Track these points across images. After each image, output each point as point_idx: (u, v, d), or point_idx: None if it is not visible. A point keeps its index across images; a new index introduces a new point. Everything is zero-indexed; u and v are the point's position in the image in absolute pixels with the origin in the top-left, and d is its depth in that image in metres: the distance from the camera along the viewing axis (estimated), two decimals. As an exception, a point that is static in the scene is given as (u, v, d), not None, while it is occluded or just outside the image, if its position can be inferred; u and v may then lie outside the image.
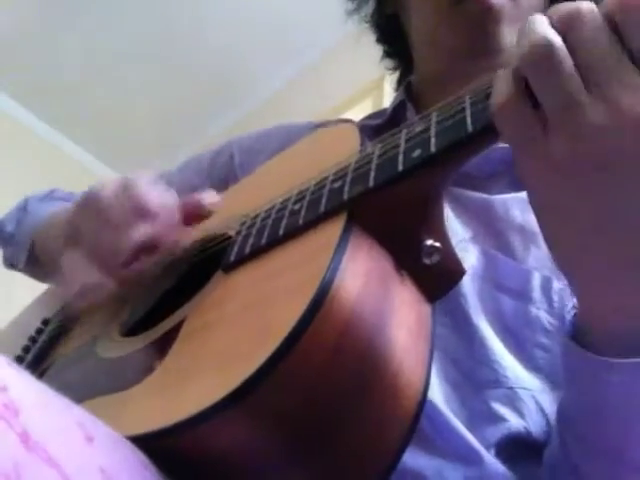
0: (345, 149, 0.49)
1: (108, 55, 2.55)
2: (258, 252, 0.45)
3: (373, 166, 0.42)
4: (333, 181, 0.44)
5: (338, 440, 0.36)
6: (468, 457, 0.48)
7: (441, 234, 0.42)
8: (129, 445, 0.34)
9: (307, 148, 0.60)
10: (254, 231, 0.47)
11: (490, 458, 0.48)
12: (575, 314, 0.42)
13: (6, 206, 0.83)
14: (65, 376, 0.55)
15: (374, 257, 0.40)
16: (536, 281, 0.55)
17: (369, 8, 0.79)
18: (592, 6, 0.32)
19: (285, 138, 0.71)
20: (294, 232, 0.43)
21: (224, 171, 0.78)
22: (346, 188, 0.42)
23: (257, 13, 2.44)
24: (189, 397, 0.36)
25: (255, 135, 0.82)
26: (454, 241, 0.43)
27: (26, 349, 0.64)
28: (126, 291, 0.61)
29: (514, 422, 0.51)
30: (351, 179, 0.42)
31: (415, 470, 0.48)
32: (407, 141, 0.41)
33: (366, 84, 2.35)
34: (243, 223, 0.51)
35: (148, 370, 0.43)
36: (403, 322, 0.39)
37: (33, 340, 0.65)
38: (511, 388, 0.52)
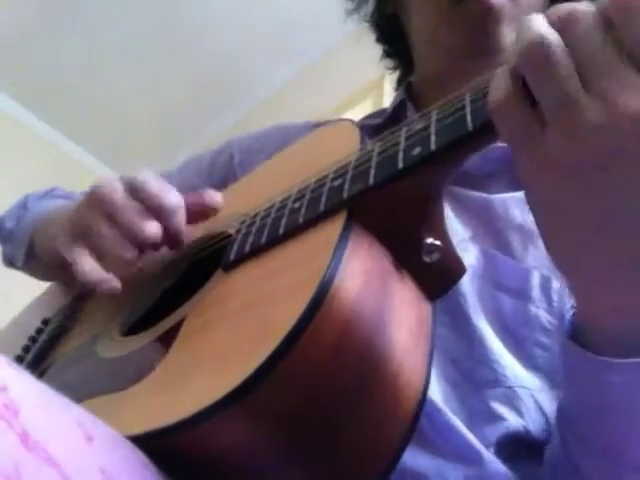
0: (345, 147, 0.49)
1: (108, 55, 2.55)
2: (258, 251, 0.45)
3: (373, 164, 0.42)
4: (333, 179, 0.44)
5: (338, 440, 0.36)
6: (468, 456, 0.48)
7: (441, 232, 0.42)
8: (129, 445, 0.34)
9: (307, 147, 0.60)
10: (254, 230, 0.47)
11: (490, 457, 0.48)
12: (574, 314, 0.42)
13: (6, 206, 0.84)
14: (65, 376, 0.55)
15: (374, 255, 0.40)
16: (535, 280, 0.55)
17: (369, 7, 0.79)
18: (589, 6, 0.31)
19: (284, 137, 0.71)
20: (294, 231, 0.43)
21: (224, 171, 0.78)
22: (346, 186, 0.42)
23: (257, 13, 2.44)
24: (189, 396, 0.36)
25: (255, 135, 0.82)
26: (454, 240, 0.43)
27: (26, 349, 0.64)
28: (126, 290, 0.61)
29: (513, 421, 0.51)
30: (351, 177, 0.42)
31: (415, 470, 0.48)
32: (407, 139, 0.41)
33: (366, 84, 2.35)
34: (243, 222, 0.51)
35: (148, 369, 0.42)
36: (403, 321, 0.39)
37: (33, 340, 0.65)
38: (510, 387, 0.52)
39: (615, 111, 0.29)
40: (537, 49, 0.31)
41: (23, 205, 0.81)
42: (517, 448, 0.50)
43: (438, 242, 0.41)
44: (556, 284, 0.55)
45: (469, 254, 0.57)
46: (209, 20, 2.46)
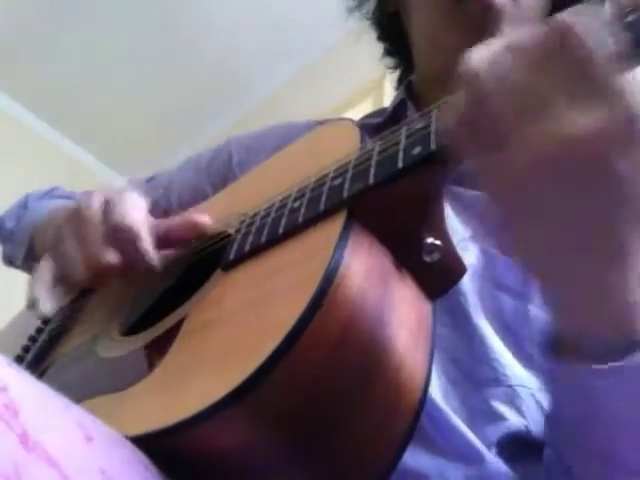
0: (345, 146, 0.49)
1: (108, 55, 2.55)
2: (258, 250, 0.45)
3: (373, 163, 0.42)
4: (333, 178, 0.44)
5: (339, 439, 0.36)
6: (469, 456, 0.48)
7: (442, 232, 0.42)
8: (129, 445, 0.34)
9: (307, 146, 0.60)
10: (254, 229, 0.47)
11: (491, 457, 0.48)
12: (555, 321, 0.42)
13: (6, 206, 0.84)
14: (65, 376, 0.55)
15: (374, 255, 0.40)
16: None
17: (370, 5, 0.79)
18: (530, 36, 0.33)
19: (284, 137, 0.70)
20: (294, 230, 0.43)
21: (223, 171, 0.78)
22: (346, 185, 0.42)
23: (257, 13, 2.44)
24: (190, 396, 0.36)
25: (254, 134, 0.82)
26: (454, 240, 0.43)
27: (26, 349, 0.64)
28: (126, 290, 0.61)
29: (514, 420, 0.51)
30: (351, 176, 0.42)
31: (416, 470, 0.48)
32: (407, 138, 0.41)
33: (366, 84, 2.35)
34: (243, 221, 0.51)
35: (148, 369, 0.42)
36: (404, 319, 0.39)
37: (33, 340, 0.65)
38: (510, 386, 0.52)
39: (551, 135, 0.31)
40: (483, 77, 0.32)
41: (23, 205, 0.81)
42: (518, 448, 0.50)
43: (438, 242, 0.41)
44: None
45: (469, 253, 0.57)
46: (209, 20, 2.46)
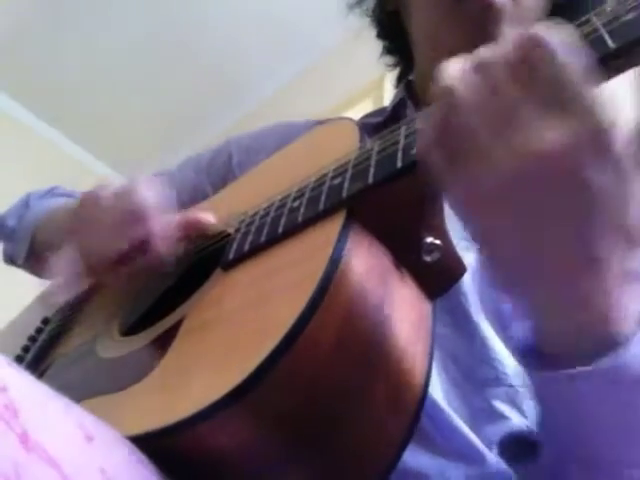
0: (344, 146, 0.49)
1: (108, 55, 2.55)
2: (257, 250, 0.45)
3: (372, 163, 0.42)
4: (332, 178, 0.44)
5: (339, 438, 0.36)
6: (469, 456, 0.48)
7: (441, 231, 0.42)
8: (129, 445, 0.34)
9: (306, 145, 0.60)
10: (253, 229, 0.47)
11: (492, 457, 0.48)
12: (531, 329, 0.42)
13: (6, 206, 0.84)
14: (65, 376, 0.55)
15: (374, 254, 0.40)
16: None
17: (370, 3, 0.79)
18: (502, 49, 0.34)
19: (284, 136, 0.70)
20: (293, 230, 0.43)
21: (223, 171, 0.78)
22: (345, 185, 0.42)
23: (257, 13, 2.44)
24: (189, 395, 0.36)
25: (254, 134, 0.82)
26: (454, 240, 0.43)
27: (26, 349, 0.64)
28: (126, 290, 0.61)
29: (516, 420, 0.51)
30: (350, 176, 0.42)
31: (416, 469, 0.48)
32: (406, 137, 0.41)
33: (366, 84, 2.35)
34: (242, 221, 0.51)
35: (147, 369, 0.42)
36: (403, 319, 0.39)
37: (33, 339, 0.65)
38: (511, 386, 0.52)
39: (518, 150, 0.31)
40: (451, 94, 0.33)
41: (25, 203, 0.81)
42: (520, 447, 0.50)
43: (438, 241, 0.41)
44: None
45: (469, 253, 0.57)
46: (209, 20, 2.46)
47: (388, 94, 2.09)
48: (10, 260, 0.81)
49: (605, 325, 0.35)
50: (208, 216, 0.57)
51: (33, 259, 0.75)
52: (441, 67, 0.35)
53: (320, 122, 0.72)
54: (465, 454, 0.49)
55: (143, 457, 0.34)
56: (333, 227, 0.40)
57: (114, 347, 0.52)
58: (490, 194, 0.33)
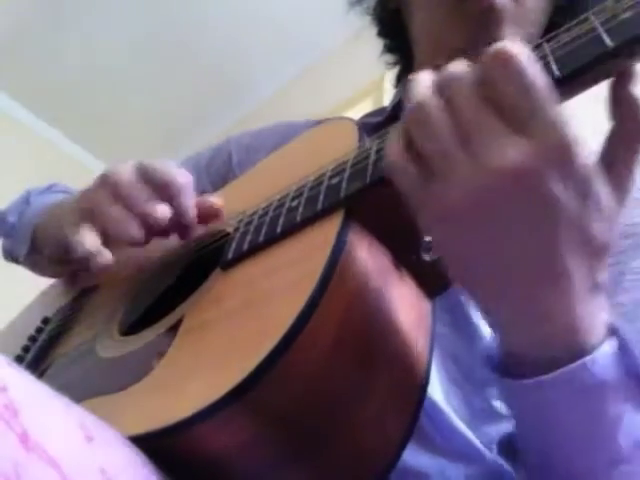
0: (343, 145, 0.49)
1: (108, 55, 2.55)
2: (256, 249, 0.45)
3: (371, 162, 0.42)
4: (331, 177, 0.44)
5: (338, 437, 0.36)
6: (469, 455, 0.48)
7: None
8: (129, 445, 0.34)
9: (305, 144, 0.60)
10: (252, 228, 0.47)
11: (492, 456, 0.48)
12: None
13: (5, 205, 0.83)
14: (65, 375, 0.55)
15: (373, 254, 0.40)
16: None
17: (371, 0, 0.79)
18: (469, 67, 0.34)
19: (283, 135, 0.70)
20: (292, 229, 0.43)
21: (222, 170, 0.78)
22: (344, 185, 0.42)
23: (257, 13, 2.43)
24: (189, 395, 0.36)
25: (253, 133, 0.82)
26: None
27: (26, 349, 0.64)
28: (125, 289, 0.60)
29: (515, 420, 0.51)
30: (349, 175, 0.42)
31: (416, 469, 0.48)
32: None
33: (366, 85, 2.35)
34: (241, 220, 0.51)
35: (147, 369, 0.42)
36: (403, 318, 0.39)
37: (33, 339, 0.65)
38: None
39: (482, 167, 0.32)
40: (417, 111, 0.34)
41: (25, 200, 0.81)
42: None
43: (437, 240, 0.41)
44: None
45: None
46: (209, 20, 2.46)
47: (388, 94, 2.09)
48: (10, 257, 0.81)
49: (571, 335, 0.35)
50: (218, 200, 0.57)
51: (34, 256, 0.75)
52: (411, 82, 0.35)
53: (321, 121, 0.72)
54: (465, 454, 0.49)
55: (143, 457, 0.34)
56: (332, 227, 0.40)
57: (114, 347, 0.52)
58: (455, 210, 0.33)
